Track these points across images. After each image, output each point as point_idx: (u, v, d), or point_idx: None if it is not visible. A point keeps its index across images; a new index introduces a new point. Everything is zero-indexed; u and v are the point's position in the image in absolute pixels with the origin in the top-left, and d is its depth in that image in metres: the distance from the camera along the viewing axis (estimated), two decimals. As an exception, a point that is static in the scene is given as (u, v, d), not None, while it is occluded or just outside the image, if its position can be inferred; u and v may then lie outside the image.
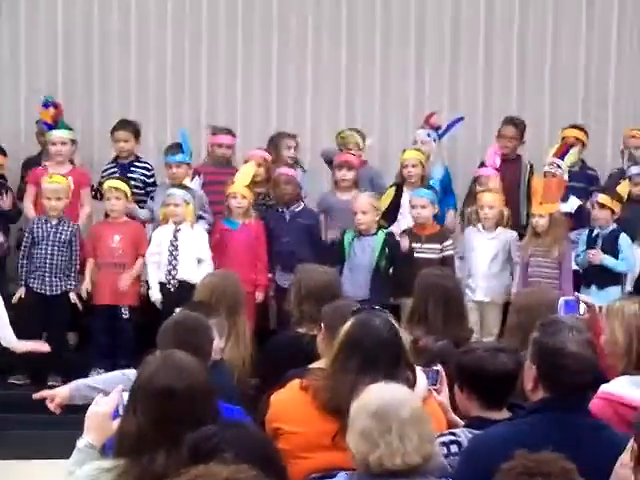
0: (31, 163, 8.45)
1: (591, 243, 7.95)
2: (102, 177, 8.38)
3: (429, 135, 8.61)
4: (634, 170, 8.41)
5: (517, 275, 7.97)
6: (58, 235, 7.71)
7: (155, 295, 7.70)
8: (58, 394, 4.43)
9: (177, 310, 4.75)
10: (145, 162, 8.48)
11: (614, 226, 7.92)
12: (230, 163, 8.36)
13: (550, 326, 3.63)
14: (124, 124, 8.46)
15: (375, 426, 3.11)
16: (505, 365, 3.94)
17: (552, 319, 3.75)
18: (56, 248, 7.71)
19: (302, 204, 8.14)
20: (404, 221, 8.25)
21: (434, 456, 3.20)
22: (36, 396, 4.47)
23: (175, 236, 7.71)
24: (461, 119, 8.82)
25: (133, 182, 8.24)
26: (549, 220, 7.79)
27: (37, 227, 7.74)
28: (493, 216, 7.97)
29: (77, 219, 8.08)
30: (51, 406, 4.40)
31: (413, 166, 8.32)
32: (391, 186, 8.46)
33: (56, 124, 8.23)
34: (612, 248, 7.88)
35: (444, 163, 8.73)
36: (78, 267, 7.81)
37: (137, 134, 8.46)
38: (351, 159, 8.33)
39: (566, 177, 8.15)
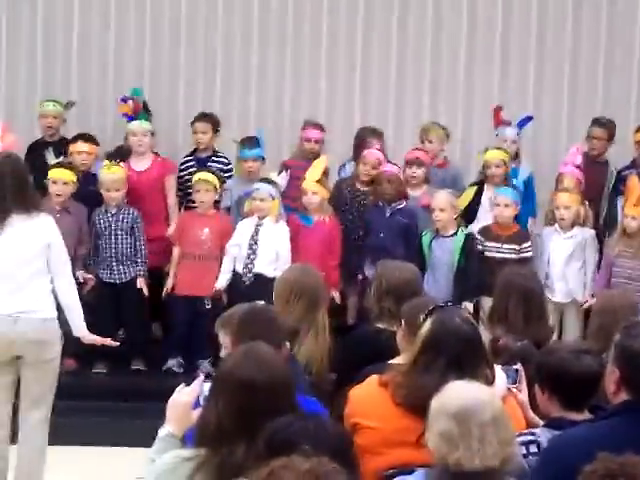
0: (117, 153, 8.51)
1: None
2: (180, 170, 8.41)
3: (518, 134, 8.53)
4: None
5: (590, 274, 7.88)
6: (119, 224, 7.77)
7: (221, 283, 7.70)
8: None
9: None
10: (223, 156, 8.46)
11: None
12: (318, 158, 8.31)
13: (633, 329, 3.60)
14: (203, 116, 8.49)
15: (455, 428, 3.10)
16: (589, 367, 3.91)
17: (635, 322, 3.72)
18: (119, 237, 7.78)
19: (404, 202, 8.05)
20: (484, 220, 8.17)
21: (513, 458, 3.19)
22: None
23: (256, 230, 7.72)
24: (531, 118, 8.71)
25: None
26: None
27: (98, 219, 7.81)
28: (569, 217, 7.86)
29: (160, 208, 8.13)
30: None
31: (497, 166, 8.23)
32: (472, 185, 8.38)
33: (137, 116, 8.30)
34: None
35: (529, 166, 8.63)
36: (145, 252, 7.84)
37: (216, 127, 8.47)
38: (422, 156, 8.27)
39: None
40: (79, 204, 7.79)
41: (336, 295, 7.87)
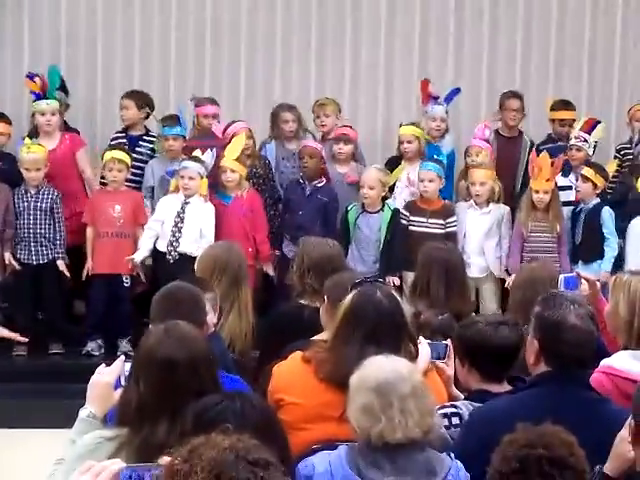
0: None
1: (575, 218, 7.96)
2: (110, 146, 8.27)
3: (447, 112, 8.55)
4: None
5: (506, 250, 7.94)
6: (39, 204, 7.68)
7: (136, 256, 7.62)
8: None
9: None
10: (154, 136, 8.35)
11: (597, 200, 7.91)
12: (214, 133, 8.23)
13: (551, 300, 3.65)
14: (130, 93, 8.40)
15: (376, 401, 3.13)
16: (506, 338, 3.96)
17: (553, 293, 3.77)
18: (38, 217, 7.68)
19: (324, 180, 8.04)
20: (401, 196, 8.19)
21: (434, 429, 3.22)
22: None
23: (183, 208, 7.66)
24: (458, 90, 8.75)
25: (139, 156, 8.20)
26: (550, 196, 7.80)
27: (17, 198, 7.70)
28: (485, 192, 7.90)
29: (75, 185, 8.03)
30: None
31: (409, 142, 8.25)
32: (390, 159, 8.41)
33: (44, 94, 8.14)
34: (595, 223, 7.87)
35: (453, 140, 8.68)
36: (64, 234, 7.77)
37: (141, 104, 8.33)
38: (349, 132, 8.31)
39: (591, 152, 8.14)
40: (2, 184, 7.69)
41: (269, 268, 7.88)
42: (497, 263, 7.96)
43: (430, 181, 7.84)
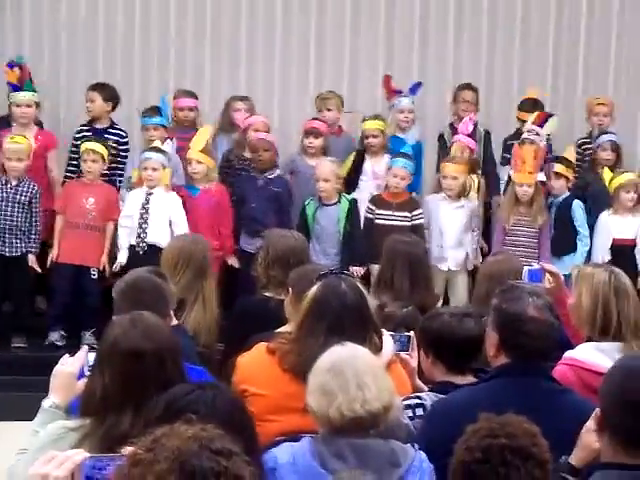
0: (1, 123, 8.35)
1: None
2: (75, 139, 8.24)
3: (413, 103, 8.59)
4: (606, 137, 8.50)
5: (477, 242, 8.00)
6: (18, 196, 7.65)
7: (121, 259, 7.64)
8: None
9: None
10: (119, 129, 8.35)
11: (567, 194, 7.98)
12: (194, 126, 8.25)
13: (509, 292, 3.66)
14: (96, 85, 8.36)
15: (332, 379, 3.14)
16: (470, 330, 3.97)
17: (511, 285, 3.78)
18: (15, 209, 7.65)
19: (277, 171, 8.04)
20: (366, 189, 8.23)
21: (394, 407, 3.21)
22: None
23: (147, 199, 7.65)
24: (420, 84, 8.78)
25: None
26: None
27: None
28: (457, 186, 7.93)
29: (43, 181, 7.98)
30: None
31: (374, 136, 8.29)
32: (356, 153, 8.41)
33: (22, 85, 8.13)
34: (566, 216, 7.93)
35: (419, 132, 8.70)
36: (39, 229, 7.76)
37: (107, 97, 8.28)
38: (319, 126, 8.30)
39: (543, 145, 8.18)
40: None
41: (234, 261, 7.86)
42: (472, 255, 7.98)
43: (402, 178, 7.88)
